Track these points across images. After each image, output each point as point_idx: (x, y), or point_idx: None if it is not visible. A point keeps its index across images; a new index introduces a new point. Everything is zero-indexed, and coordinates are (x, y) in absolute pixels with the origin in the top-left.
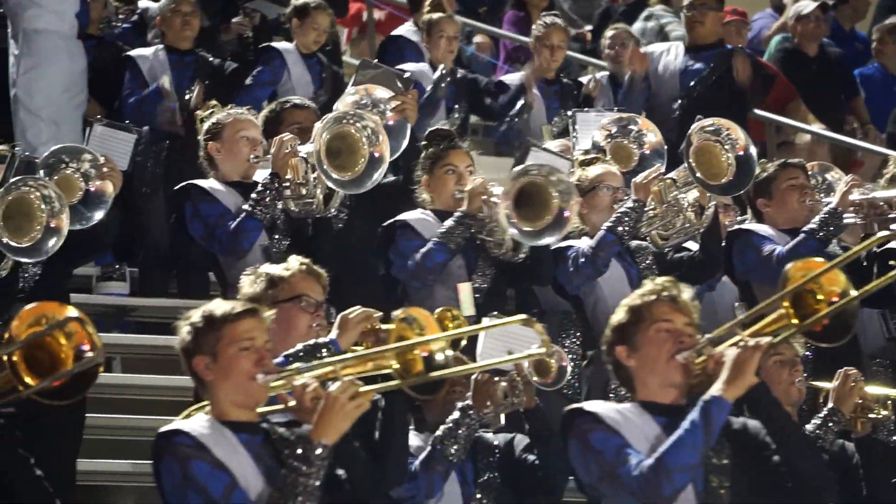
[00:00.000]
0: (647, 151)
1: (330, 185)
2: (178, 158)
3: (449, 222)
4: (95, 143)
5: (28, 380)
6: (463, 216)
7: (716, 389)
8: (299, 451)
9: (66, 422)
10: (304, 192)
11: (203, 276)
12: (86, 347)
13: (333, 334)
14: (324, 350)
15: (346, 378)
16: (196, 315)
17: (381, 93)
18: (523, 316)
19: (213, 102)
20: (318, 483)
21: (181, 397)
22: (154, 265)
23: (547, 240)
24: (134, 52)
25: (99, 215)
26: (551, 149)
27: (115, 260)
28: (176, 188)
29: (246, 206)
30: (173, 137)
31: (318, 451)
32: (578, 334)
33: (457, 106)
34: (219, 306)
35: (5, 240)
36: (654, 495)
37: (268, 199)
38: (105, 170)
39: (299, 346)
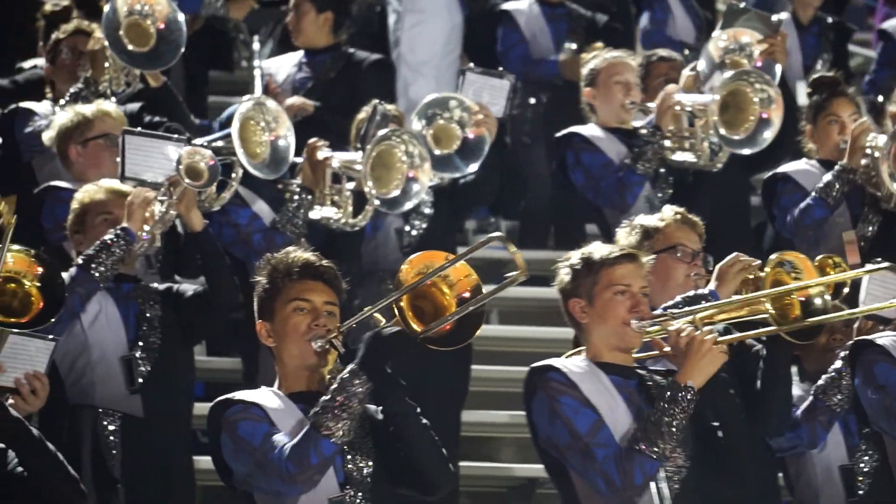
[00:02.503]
0: None
1: (717, 141)
2: (557, 108)
3: (827, 177)
4: (469, 91)
5: (415, 326)
6: (842, 170)
7: None
8: (667, 392)
9: (453, 373)
10: (687, 144)
11: (581, 227)
12: (467, 296)
13: (712, 285)
14: (703, 301)
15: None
16: (575, 257)
17: (748, 38)
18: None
19: (599, 44)
20: (681, 425)
21: (559, 349)
22: (535, 217)
23: None
24: (509, 6)
25: (476, 164)
26: None
27: (490, 213)
28: (557, 135)
29: (627, 160)
30: (553, 87)
31: (684, 392)
32: None
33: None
34: (597, 249)
35: (373, 191)
36: None
37: (649, 153)
38: (479, 117)
39: (678, 297)
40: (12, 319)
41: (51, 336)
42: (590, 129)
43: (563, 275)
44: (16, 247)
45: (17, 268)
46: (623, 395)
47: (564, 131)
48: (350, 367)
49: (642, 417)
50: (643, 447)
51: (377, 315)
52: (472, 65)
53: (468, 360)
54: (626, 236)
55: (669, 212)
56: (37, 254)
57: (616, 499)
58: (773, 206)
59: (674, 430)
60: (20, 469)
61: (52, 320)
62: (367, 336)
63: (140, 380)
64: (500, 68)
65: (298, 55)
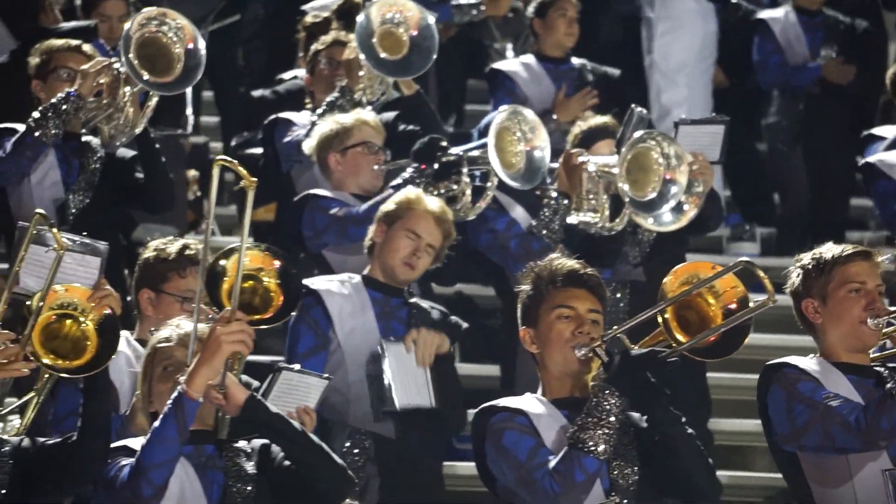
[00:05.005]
0: None
1: None
2: (814, 115)
3: None
4: (683, 143)
5: (679, 337)
6: None
7: None
8: None
9: (689, 381)
10: None
11: (841, 235)
12: (734, 307)
13: None
14: None
15: None
16: (807, 258)
17: None
18: None
19: None
20: None
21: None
22: (792, 224)
23: None
24: (765, 14)
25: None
26: None
27: (744, 220)
28: (861, 164)
29: None
30: (809, 95)
31: None
32: None
33: None
34: (829, 249)
35: (630, 194)
36: None
37: None
38: (695, 167)
39: None
40: (255, 317)
41: (326, 374)
42: (888, 156)
43: (795, 276)
44: (258, 244)
45: (254, 264)
46: (861, 394)
47: (863, 161)
48: (602, 385)
49: None
50: None
51: (622, 337)
52: (683, 116)
53: (702, 367)
54: None
55: None
56: (270, 248)
57: (858, 439)
58: None
59: None
60: (287, 463)
61: (293, 314)
62: (618, 356)
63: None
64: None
65: (534, 61)
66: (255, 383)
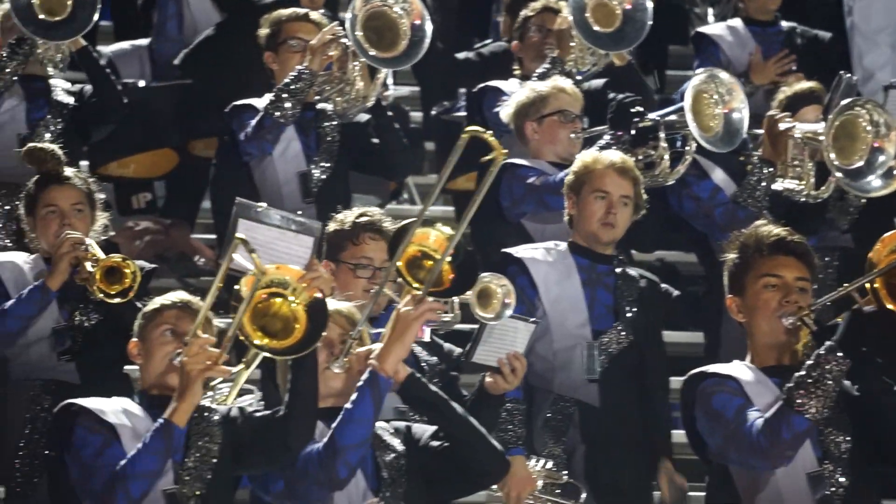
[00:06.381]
0: None
1: None
2: None
3: None
4: (893, 107)
5: (890, 306)
6: None
7: None
8: None
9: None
10: None
11: None
12: None
13: None
14: None
15: None
16: None
17: None
18: None
19: None
20: None
21: None
22: None
23: None
24: None
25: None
26: None
27: None
28: None
29: None
30: None
31: None
32: None
33: None
34: None
35: (836, 162)
36: None
37: None
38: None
39: None
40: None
41: (532, 319)
42: None
43: None
44: (446, 229)
45: (435, 245)
46: None
47: None
48: (828, 343)
49: None
50: None
51: (854, 294)
52: (893, 81)
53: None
54: None
55: None
56: (452, 237)
57: None
58: None
59: None
60: (434, 443)
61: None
62: (847, 314)
63: (599, 369)
64: None
65: (741, 25)
66: (457, 351)
